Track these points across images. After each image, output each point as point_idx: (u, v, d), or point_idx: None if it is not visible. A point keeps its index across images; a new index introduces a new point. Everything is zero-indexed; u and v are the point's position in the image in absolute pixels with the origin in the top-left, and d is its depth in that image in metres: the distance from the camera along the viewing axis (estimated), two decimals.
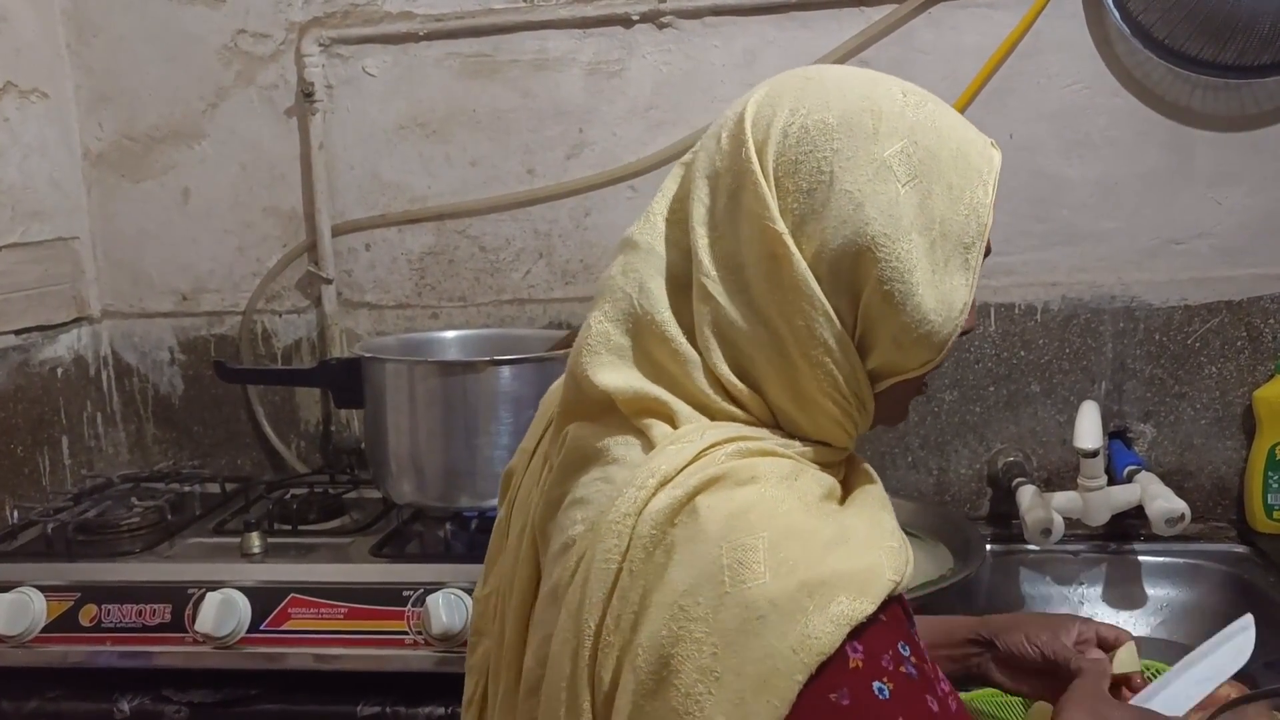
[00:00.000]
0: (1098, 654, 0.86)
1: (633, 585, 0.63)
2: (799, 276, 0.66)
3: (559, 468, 0.73)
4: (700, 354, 0.69)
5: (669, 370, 0.70)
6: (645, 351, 0.71)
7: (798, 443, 0.69)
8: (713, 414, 0.69)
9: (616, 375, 0.70)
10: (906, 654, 0.62)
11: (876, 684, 0.60)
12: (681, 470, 0.64)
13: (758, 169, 0.67)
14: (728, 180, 0.70)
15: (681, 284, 0.71)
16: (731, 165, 0.69)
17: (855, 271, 0.66)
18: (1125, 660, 0.84)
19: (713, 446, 0.66)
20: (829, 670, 0.59)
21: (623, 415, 0.70)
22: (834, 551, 0.62)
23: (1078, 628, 0.87)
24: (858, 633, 0.60)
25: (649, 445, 0.67)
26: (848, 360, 0.68)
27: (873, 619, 0.61)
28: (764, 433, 0.69)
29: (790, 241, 0.66)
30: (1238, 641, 0.90)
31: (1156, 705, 0.84)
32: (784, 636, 0.59)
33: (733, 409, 0.69)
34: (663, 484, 0.64)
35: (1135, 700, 0.86)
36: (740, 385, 0.69)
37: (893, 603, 0.64)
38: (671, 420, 0.69)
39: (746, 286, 0.68)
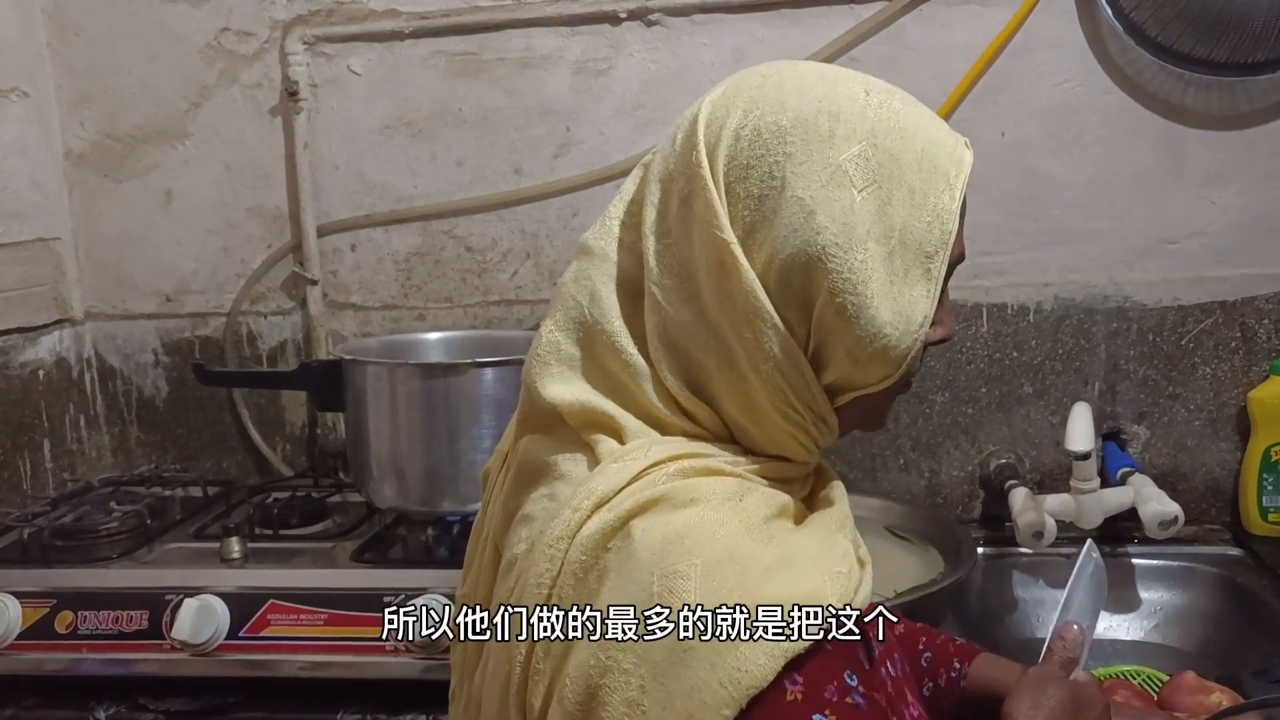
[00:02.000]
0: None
1: None
2: (747, 288, 0.63)
3: (511, 480, 0.71)
4: (651, 365, 0.66)
5: (621, 381, 0.67)
6: (597, 361, 0.68)
7: (747, 459, 0.66)
8: (664, 427, 0.66)
9: (564, 388, 0.68)
10: (854, 684, 0.58)
11: (817, 716, 0.56)
12: (619, 491, 0.61)
13: (708, 174, 0.64)
14: (680, 184, 0.66)
15: (635, 290, 0.68)
16: (684, 169, 0.66)
17: (806, 283, 0.63)
18: None
19: (655, 465, 0.62)
20: (764, 704, 0.55)
21: (572, 428, 0.67)
22: (774, 577, 0.58)
23: None
24: (798, 663, 0.56)
25: (595, 461, 0.64)
26: (800, 375, 0.65)
27: (816, 648, 0.57)
28: (713, 449, 0.66)
29: (739, 251, 0.63)
30: (1092, 574, 0.86)
31: None
32: (713, 669, 0.55)
33: (684, 423, 0.66)
34: (598, 506, 0.61)
35: None
36: (692, 398, 0.66)
37: None
38: (618, 435, 0.65)
39: (697, 295, 0.65)
